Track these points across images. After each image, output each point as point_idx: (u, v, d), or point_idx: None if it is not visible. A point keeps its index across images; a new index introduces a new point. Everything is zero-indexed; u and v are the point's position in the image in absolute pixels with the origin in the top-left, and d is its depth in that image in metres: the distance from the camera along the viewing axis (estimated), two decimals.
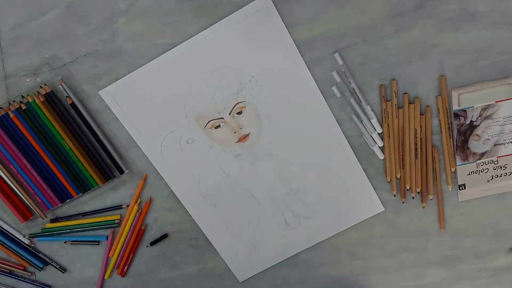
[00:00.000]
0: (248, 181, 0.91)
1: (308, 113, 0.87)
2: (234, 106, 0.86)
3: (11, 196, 0.89)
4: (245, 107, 0.86)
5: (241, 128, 0.87)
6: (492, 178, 0.89)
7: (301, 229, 0.93)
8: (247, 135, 0.88)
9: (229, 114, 0.87)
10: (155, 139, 0.88)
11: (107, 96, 0.86)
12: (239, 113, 0.87)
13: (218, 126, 0.87)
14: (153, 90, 0.85)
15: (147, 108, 0.86)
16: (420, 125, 0.86)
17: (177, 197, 0.91)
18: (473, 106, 0.85)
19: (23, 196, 0.89)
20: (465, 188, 0.90)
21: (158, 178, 0.90)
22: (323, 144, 0.89)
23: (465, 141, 0.87)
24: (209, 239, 0.94)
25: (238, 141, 0.88)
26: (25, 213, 0.91)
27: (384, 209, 0.92)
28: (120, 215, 0.93)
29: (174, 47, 0.83)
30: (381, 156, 0.89)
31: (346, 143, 0.88)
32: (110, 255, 0.95)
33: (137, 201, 0.92)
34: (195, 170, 0.90)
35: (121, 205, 0.92)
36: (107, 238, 0.94)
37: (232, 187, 0.91)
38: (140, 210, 0.93)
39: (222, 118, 0.87)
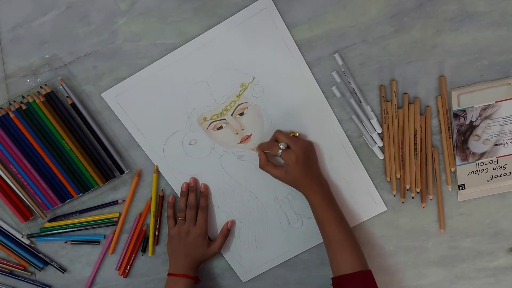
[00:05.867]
0: (250, 181, 0.91)
1: (310, 113, 0.87)
2: (236, 107, 0.86)
3: (11, 196, 0.89)
4: (247, 108, 0.86)
5: (243, 129, 0.87)
6: (491, 178, 0.89)
7: (304, 229, 0.93)
8: (249, 136, 0.88)
9: (231, 115, 0.87)
10: (157, 141, 0.88)
11: (109, 98, 0.85)
12: (241, 114, 0.87)
13: (221, 127, 0.87)
14: (155, 92, 0.85)
15: (149, 110, 0.86)
16: (420, 125, 0.86)
17: (177, 197, 0.91)
18: (473, 106, 0.85)
19: (23, 196, 0.89)
20: (464, 188, 0.90)
21: (159, 178, 0.90)
22: (325, 145, 0.89)
23: (465, 141, 0.87)
24: (212, 240, 0.94)
25: (241, 142, 0.88)
26: (25, 213, 0.91)
27: (386, 209, 0.92)
28: (119, 213, 0.93)
29: (174, 47, 0.83)
30: (381, 156, 0.89)
31: (348, 143, 0.88)
32: (110, 253, 0.95)
33: (132, 197, 0.92)
34: (197, 171, 0.90)
35: (117, 201, 0.92)
36: (104, 237, 0.94)
37: (235, 188, 0.91)
38: (140, 212, 0.93)
39: (224, 119, 0.87)
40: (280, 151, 0.83)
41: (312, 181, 0.84)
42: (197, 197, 0.91)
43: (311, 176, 0.84)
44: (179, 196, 0.91)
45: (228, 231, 0.93)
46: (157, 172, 0.90)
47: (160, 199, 0.92)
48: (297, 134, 0.87)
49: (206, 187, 0.91)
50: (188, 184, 0.91)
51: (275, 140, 0.85)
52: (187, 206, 0.91)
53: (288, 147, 0.83)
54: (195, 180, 0.91)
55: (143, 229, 0.94)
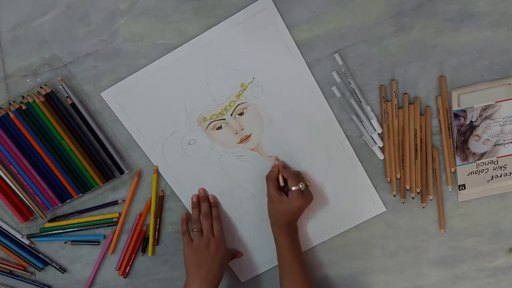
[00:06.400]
0: (249, 182, 0.91)
1: (309, 113, 0.87)
2: (236, 107, 0.86)
3: (11, 196, 0.89)
4: (246, 108, 0.86)
5: (242, 129, 0.87)
6: (492, 179, 0.89)
7: (303, 230, 0.93)
8: (248, 136, 0.88)
9: (231, 115, 0.87)
10: (157, 141, 0.88)
11: (109, 97, 0.85)
12: (241, 114, 0.87)
13: (220, 127, 0.87)
14: (155, 92, 0.85)
15: (149, 109, 0.86)
16: (420, 126, 0.86)
17: (177, 197, 0.91)
18: (473, 107, 0.85)
19: (23, 196, 0.89)
20: (465, 189, 0.90)
21: (159, 178, 0.90)
22: (324, 145, 0.89)
23: (465, 142, 0.87)
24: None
25: (240, 142, 0.88)
26: (25, 213, 0.91)
27: (385, 209, 0.92)
28: (119, 213, 0.93)
29: (174, 47, 0.83)
30: (381, 156, 0.89)
31: (348, 143, 0.88)
32: (110, 253, 0.95)
33: (132, 197, 0.92)
34: (197, 171, 0.90)
35: (117, 201, 0.92)
36: (104, 237, 0.94)
37: (234, 188, 0.91)
38: (140, 212, 0.93)
39: (224, 119, 0.87)
40: (295, 188, 0.83)
41: (289, 226, 0.86)
42: (210, 206, 0.90)
43: (293, 222, 0.87)
44: (191, 208, 0.90)
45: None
46: (157, 172, 0.90)
47: (160, 199, 0.92)
48: (309, 183, 0.89)
49: (215, 198, 0.91)
50: (198, 196, 0.90)
51: (296, 175, 0.85)
52: (203, 215, 0.88)
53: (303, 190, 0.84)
54: (205, 190, 0.90)
55: (143, 229, 0.94)
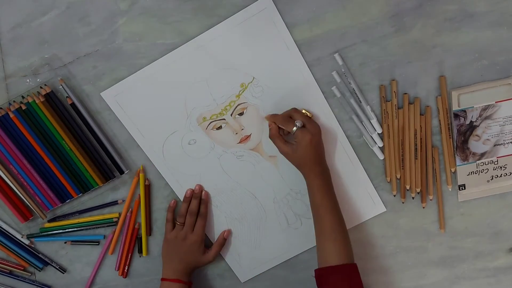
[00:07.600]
0: (249, 182, 0.91)
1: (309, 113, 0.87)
2: (236, 107, 0.86)
3: (11, 196, 0.89)
4: (246, 108, 0.86)
5: (242, 129, 0.87)
6: (492, 179, 0.89)
7: (303, 230, 0.93)
8: (248, 136, 0.88)
9: (231, 115, 0.87)
10: (156, 141, 0.88)
11: (109, 97, 0.85)
12: (241, 114, 0.87)
13: (220, 127, 0.87)
14: (155, 92, 0.85)
15: (148, 109, 0.86)
16: (420, 126, 0.86)
17: (177, 197, 0.91)
18: (473, 106, 0.85)
19: (23, 196, 0.89)
20: (465, 189, 0.90)
21: (159, 178, 0.90)
22: (324, 145, 0.88)
23: (465, 141, 0.87)
24: (211, 240, 0.94)
25: (240, 142, 0.88)
26: (25, 213, 0.91)
27: (385, 210, 0.92)
28: (119, 213, 0.93)
29: (174, 47, 0.83)
30: (381, 156, 0.89)
31: (348, 143, 0.88)
32: (109, 253, 0.95)
33: (132, 197, 0.92)
34: (197, 171, 0.90)
35: (117, 201, 0.92)
36: (104, 237, 0.94)
37: (234, 188, 0.91)
38: (131, 209, 0.92)
39: (224, 119, 0.87)
40: (295, 128, 0.81)
41: (317, 165, 0.82)
42: (199, 204, 0.91)
43: (318, 159, 0.83)
44: (182, 201, 0.91)
45: (224, 240, 0.92)
46: (143, 171, 0.90)
47: (147, 188, 0.91)
48: (310, 114, 0.85)
49: (207, 195, 0.91)
50: (192, 191, 0.90)
51: (289, 116, 0.83)
52: (188, 212, 0.90)
53: (303, 126, 0.81)
54: (201, 187, 0.91)
55: (136, 227, 0.94)
